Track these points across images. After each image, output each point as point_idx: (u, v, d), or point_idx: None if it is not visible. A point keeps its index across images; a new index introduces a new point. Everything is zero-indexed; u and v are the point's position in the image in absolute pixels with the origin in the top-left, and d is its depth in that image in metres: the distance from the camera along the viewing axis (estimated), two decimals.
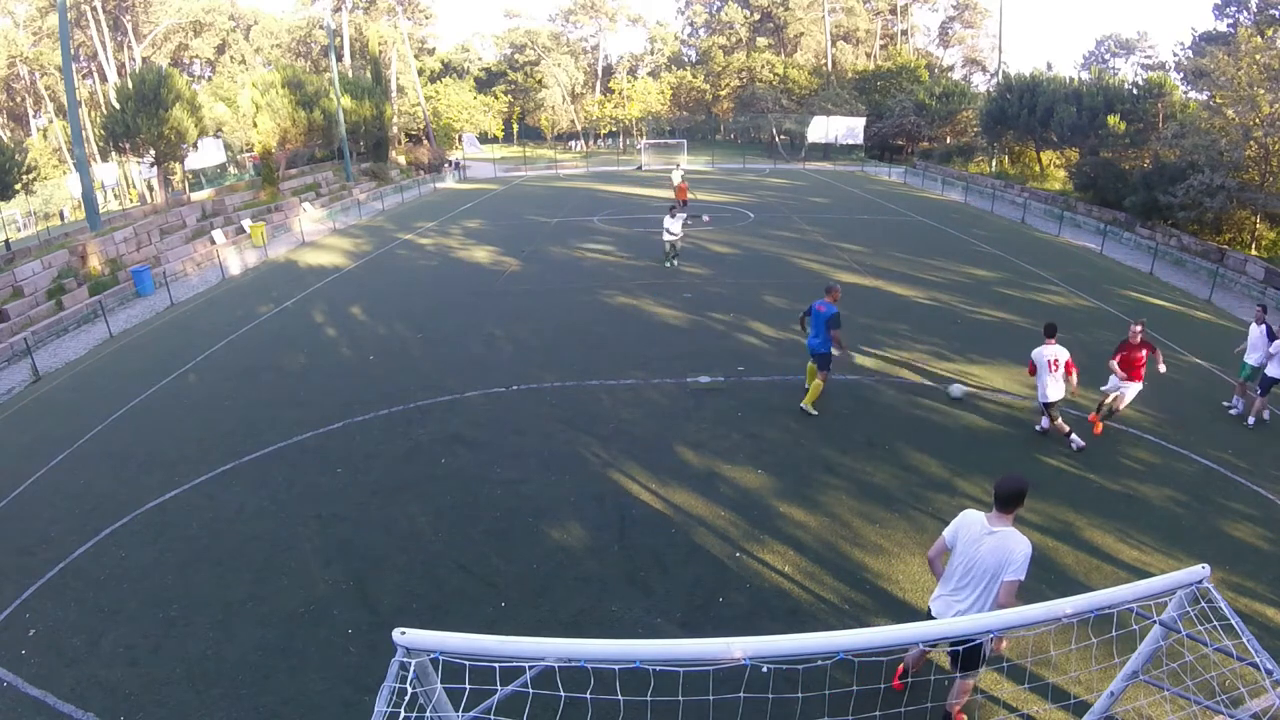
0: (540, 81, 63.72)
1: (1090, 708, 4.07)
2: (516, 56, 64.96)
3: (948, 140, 46.94)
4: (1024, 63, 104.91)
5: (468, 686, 2.72)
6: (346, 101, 36.59)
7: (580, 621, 6.12)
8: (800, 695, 3.90)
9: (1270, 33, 25.26)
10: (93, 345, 14.83)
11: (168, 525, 7.75)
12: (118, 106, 26.33)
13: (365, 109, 38.37)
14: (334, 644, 5.92)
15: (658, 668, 2.79)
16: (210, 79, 54.99)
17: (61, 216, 32.49)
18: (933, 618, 4.48)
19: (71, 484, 8.77)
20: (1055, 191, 29.57)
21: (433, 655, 2.69)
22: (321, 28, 52.38)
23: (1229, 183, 19.20)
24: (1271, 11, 31.17)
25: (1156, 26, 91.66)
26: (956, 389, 10.54)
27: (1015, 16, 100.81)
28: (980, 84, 58.61)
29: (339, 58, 47.04)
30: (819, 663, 2.59)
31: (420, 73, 57.80)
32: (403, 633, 2.65)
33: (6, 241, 20.46)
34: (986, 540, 4.27)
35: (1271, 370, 9.27)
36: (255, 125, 34.16)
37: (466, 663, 2.63)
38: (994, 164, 37.59)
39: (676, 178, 30.83)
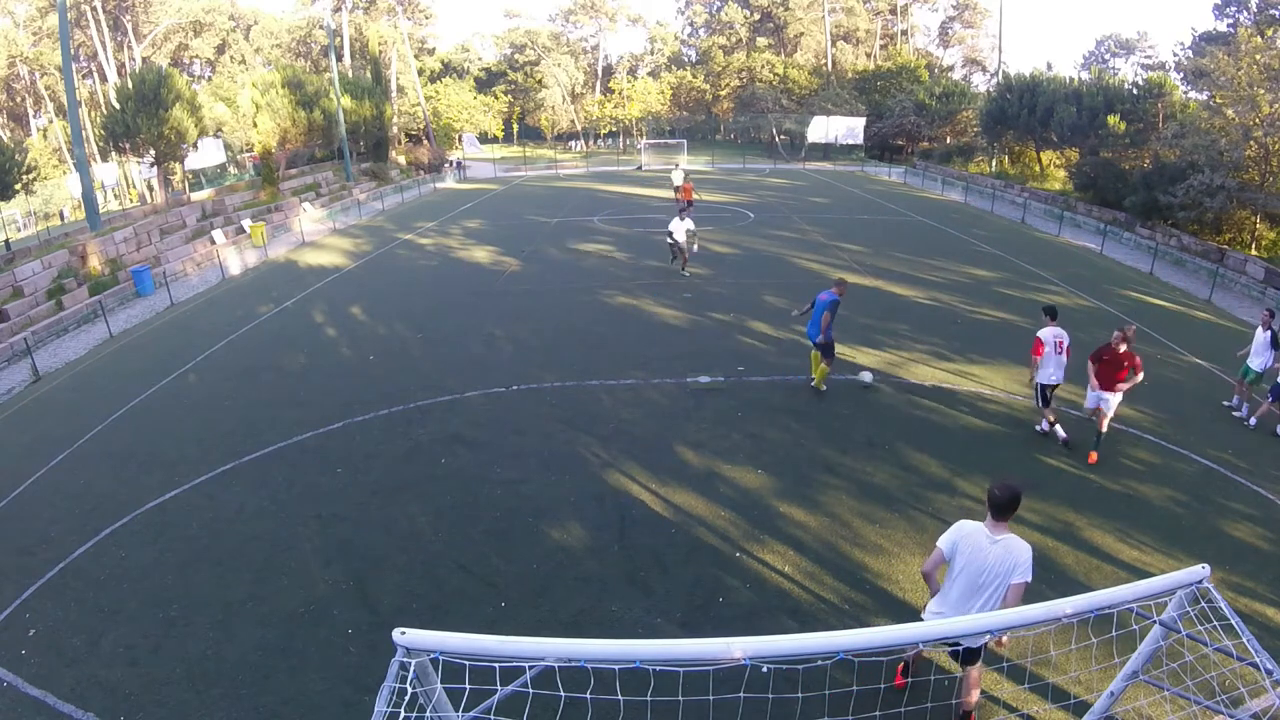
0: (540, 81, 63.73)
1: (1090, 708, 4.07)
2: (516, 56, 64.97)
3: (948, 140, 46.94)
4: (1024, 63, 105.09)
5: (468, 686, 2.72)
6: (346, 101, 36.59)
7: (580, 621, 6.12)
8: (800, 695, 3.90)
9: (1270, 33, 25.28)
10: (93, 345, 14.83)
11: (168, 525, 7.75)
12: (118, 106, 26.33)
13: (365, 109, 38.38)
14: (334, 644, 5.92)
15: (658, 668, 2.79)
16: (210, 79, 55.00)
17: (61, 216, 32.50)
18: None
19: (71, 484, 8.77)
20: (1055, 191, 29.58)
21: (433, 655, 2.69)
22: (321, 28, 52.38)
23: (1229, 183, 19.20)
24: (1271, 11, 31.17)
25: (1156, 26, 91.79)
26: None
27: (1015, 16, 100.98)
28: (980, 84, 58.69)
29: (339, 58, 47.04)
30: (819, 663, 2.59)
31: (420, 73, 57.80)
32: (403, 633, 2.65)
33: (6, 241, 20.47)
34: (993, 549, 4.28)
35: None
36: (255, 125, 34.16)
37: (466, 663, 2.63)
38: (994, 164, 37.59)
39: (677, 178, 30.80)
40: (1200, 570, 3.09)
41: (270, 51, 56.66)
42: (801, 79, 57.19)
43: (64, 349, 14.71)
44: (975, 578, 4.33)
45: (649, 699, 3.12)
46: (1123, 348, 8.27)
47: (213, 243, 23.47)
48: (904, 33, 66.16)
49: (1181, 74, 34.36)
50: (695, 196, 25.94)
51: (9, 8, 45.62)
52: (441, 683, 2.84)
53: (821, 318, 9.93)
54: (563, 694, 2.94)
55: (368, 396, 10.89)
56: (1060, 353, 8.79)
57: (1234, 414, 9.98)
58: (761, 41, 62.27)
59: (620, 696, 3.04)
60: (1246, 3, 33.60)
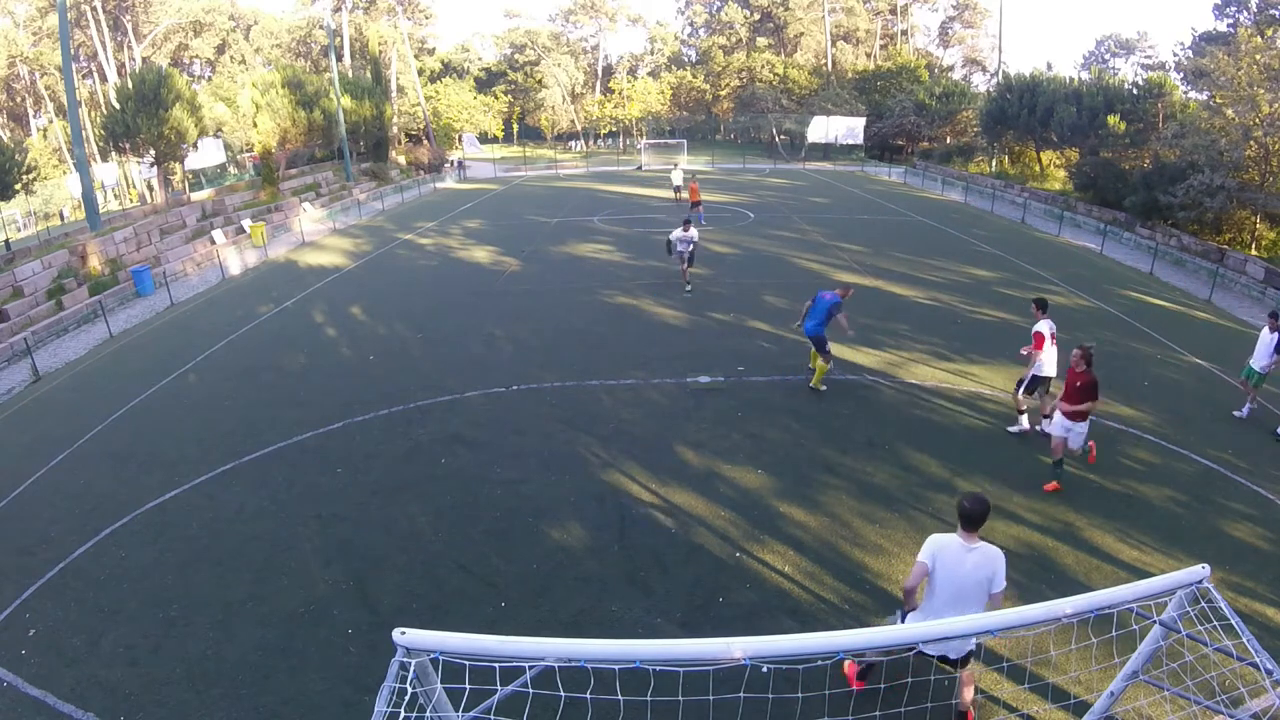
0: (540, 81, 63.73)
1: (1090, 708, 4.07)
2: (516, 56, 64.97)
3: (948, 140, 46.94)
4: (1024, 63, 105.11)
5: (468, 686, 2.72)
6: (346, 101, 36.59)
7: (580, 621, 6.12)
8: (800, 695, 3.90)
9: (1270, 33, 25.28)
10: (93, 345, 14.83)
11: (168, 525, 7.75)
12: (118, 106, 26.33)
13: (365, 109, 38.38)
14: (334, 644, 5.92)
15: (658, 668, 2.79)
16: (210, 79, 55.00)
17: (61, 216, 32.49)
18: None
19: (71, 484, 8.77)
20: (1055, 191, 29.57)
21: (433, 655, 2.69)
22: (321, 28, 52.37)
23: (1229, 183, 19.20)
24: (1271, 11, 31.17)
25: (1156, 26, 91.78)
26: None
27: (1015, 16, 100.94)
28: (980, 84, 58.69)
29: (339, 58, 47.04)
30: (819, 663, 2.59)
31: (420, 73, 57.80)
32: (403, 633, 2.65)
33: (6, 241, 20.47)
34: (969, 558, 4.36)
35: None
36: (255, 125, 34.17)
37: (466, 663, 2.64)
38: (994, 164, 37.59)
39: (676, 177, 30.85)
40: (1200, 570, 3.09)
41: (270, 51, 56.67)
42: (801, 79, 57.19)
43: (64, 349, 14.71)
44: (956, 587, 4.38)
45: (649, 699, 3.12)
46: (1081, 367, 7.47)
47: (213, 243, 23.47)
48: (904, 33, 66.16)
49: (1181, 74, 34.38)
50: (701, 197, 25.76)
51: (9, 8, 45.63)
52: (441, 683, 2.84)
53: (839, 317, 10.29)
54: (563, 694, 2.94)
55: (368, 396, 10.88)
56: (1054, 344, 8.90)
57: (1234, 413, 9.99)
58: (761, 41, 62.27)
59: (620, 696, 3.04)
60: (1246, 3, 33.60)
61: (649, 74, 65.25)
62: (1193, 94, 29.04)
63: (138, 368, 12.97)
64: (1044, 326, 8.86)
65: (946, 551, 4.42)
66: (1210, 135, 20.19)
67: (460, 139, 57.89)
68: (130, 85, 26.53)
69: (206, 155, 33.89)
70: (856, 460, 8.71)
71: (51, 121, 47.70)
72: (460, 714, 2.94)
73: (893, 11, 65.17)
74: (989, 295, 15.86)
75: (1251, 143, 19.03)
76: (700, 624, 6.05)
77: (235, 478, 8.71)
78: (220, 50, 56.37)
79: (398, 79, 54.95)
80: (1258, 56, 19.44)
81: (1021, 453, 8.87)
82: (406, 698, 2.66)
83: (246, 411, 10.66)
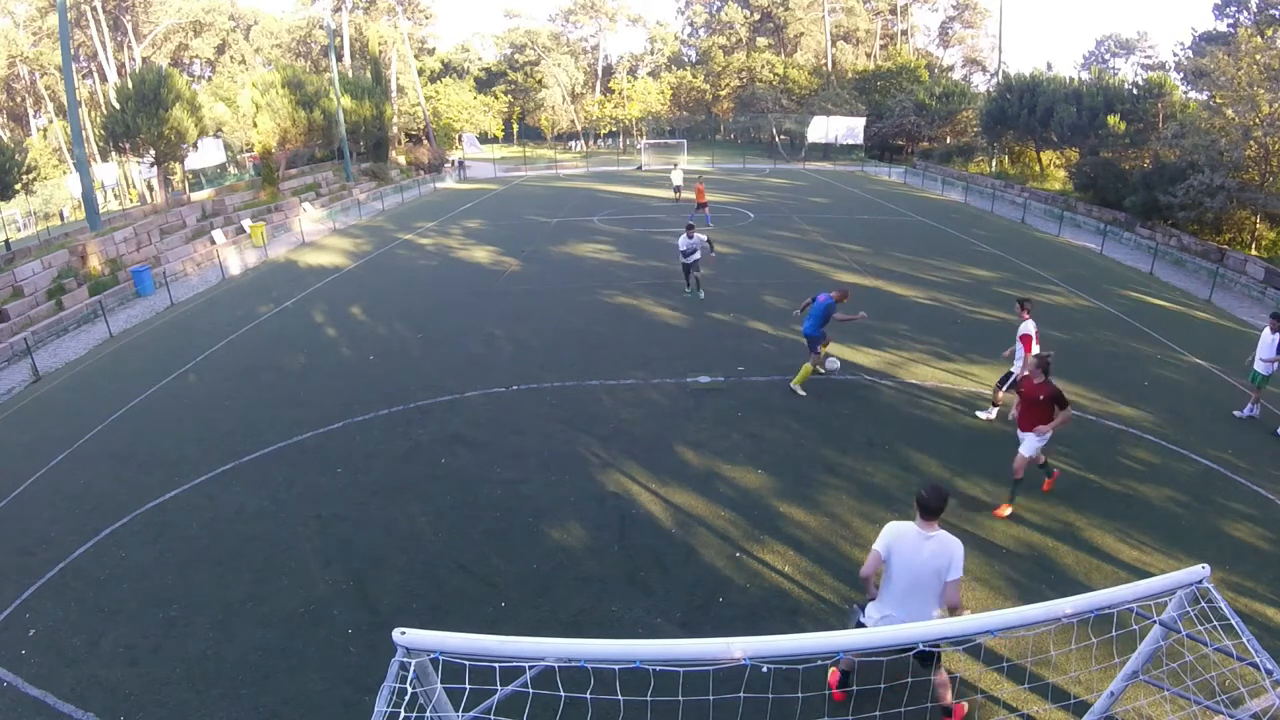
0: (540, 81, 63.73)
1: (1090, 708, 4.08)
2: (516, 56, 64.96)
3: (948, 140, 46.94)
4: (1024, 63, 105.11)
5: (468, 686, 2.72)
6: (346, 101, 36.59)
7: (580, 621, 6.12)
8: (800, 695, 3.90)
9: (1270, 33, 25.28)
10: (93, 345, 14.83)
11: (168, 525, 7.75)
12: (118, 106, 26.34)
13: (365, 109, 38.38)
14: (334, 644, 5.92)
15: (658, 668, 2.79)
16: (210, 79, 55.00)
17: (61, 216, 32.49)
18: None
19: (71, 484, 8.77)
20: (1055, 191, 29.57)
21: (433, 655, 2.69)
22: (321, 28, 52.37)
23: (1229, 183, 19.20)
24: (1271, 11, 31.17)
25: (1156, 26, 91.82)
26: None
27: (1015, 16, 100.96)
28: (980, 84, 58.69)
29: (339, 58, 47.03)
30: (819, 663, 2.59)
31: (420, 73, 57.79)
32: (403, 633, 2.65)
33: (6, 241, 20.46)
34: (926, 546, 4.40)
35: None
36: (255, 125, 34.18)
37: (466, 663, 2.64)
38: (994, 164, 37.59)
39: (676, 177, 30.83)
40: (1200, 570, 3.09)
41: (270, 51, 56.67)
42: (801, 79, 57.19)
43: (64, 349, 14.71)
44: (913, 575, 4.43)
45: (649, 699, 3.12)
46: (1038, 379, 6.97)
47: (213, 243, 23.47)
48: (904, 33, 66.16)
49: (1181, 74, 34.38)
50: (707, 198, 25.36)
51: (9, 8, 45.63)
52: (441, 683, 2.84)
53: (822, 312, 10.20)
54: (563, 694, 2.94)
55: (368, 396, 10.88)
56: (1038, 344, 8.99)
57: (1234, 413, 9.98)
58: (761, 41, 62.27)
59: (620, 696, 3.04)
60: (1246, 3, 33.60)
61: (649, 74, 65.25)
62: (1193, 94, 29.06)
63: (138, 368, 12.97)
64: (1030, 327, 8.94)
65: (903, 540, 4.47)
66: (1210, 135, 20.19)
67: (460, 139, 57.88)
68: (130, 85, 26.54)
69: (206, 155, 33.89)
70: (856, 460, 8.71)
71: (51, 121, 47.70)
72: (460, 714, 2.94)
73: (893, 11, 65.16)
74: (989, 295, 15.86)
75: (1251, 143, 19.03)
76: (700, 624, 6.05)
77: (235, 478, 8.70)
78: (220, 50, 56.37)
79: (398, 79, 54.95)
80: (1258, 56, 19.44)
81: None
82: (406, 698, 2.66)
83: (246, 411, 10.66)
